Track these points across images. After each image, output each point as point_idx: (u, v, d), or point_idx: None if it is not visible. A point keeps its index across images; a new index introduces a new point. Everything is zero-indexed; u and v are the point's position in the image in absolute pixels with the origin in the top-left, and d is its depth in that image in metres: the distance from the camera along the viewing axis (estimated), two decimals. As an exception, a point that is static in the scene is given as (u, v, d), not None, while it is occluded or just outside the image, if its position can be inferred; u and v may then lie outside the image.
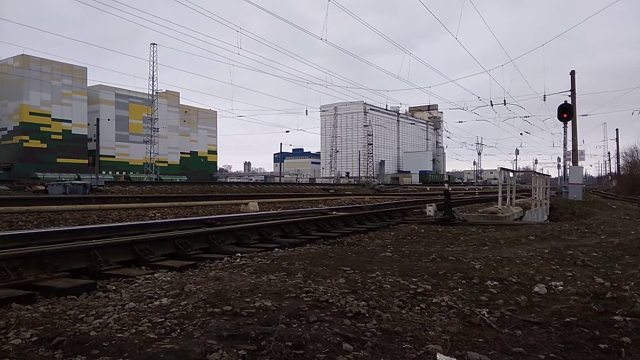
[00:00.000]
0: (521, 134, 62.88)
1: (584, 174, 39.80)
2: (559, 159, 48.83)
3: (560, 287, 3.62)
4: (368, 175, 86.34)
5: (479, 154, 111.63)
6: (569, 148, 24.88)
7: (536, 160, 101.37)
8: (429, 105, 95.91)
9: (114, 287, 3.92)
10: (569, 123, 23.78)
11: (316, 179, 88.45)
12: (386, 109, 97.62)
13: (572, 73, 24.54)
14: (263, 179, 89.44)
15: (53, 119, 56.30)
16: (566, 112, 22.68)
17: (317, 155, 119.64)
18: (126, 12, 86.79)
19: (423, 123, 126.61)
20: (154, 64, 57.17)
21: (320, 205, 15.96)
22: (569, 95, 24.07)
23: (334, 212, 10.85)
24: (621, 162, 58.41)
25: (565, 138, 25.23)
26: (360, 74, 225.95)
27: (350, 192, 32.01)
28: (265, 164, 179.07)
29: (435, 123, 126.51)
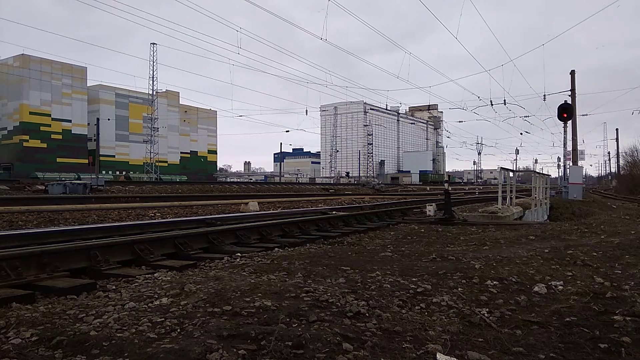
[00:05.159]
0: (521, 133, 62.71)
1: (584, 174, 39.82)
2: (559, 159, 48.88)
3: (560, 287, 3.62)
4: (368, 175, 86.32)
5: (479, 153, 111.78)
6: (569, 148, 24.87)
7: (536, 160, 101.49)
8: (428, 105, 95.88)
9: (114, 287, 3.92)
10: (569, 123, 23.77)
11: (316, 179, 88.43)
12: (386, 109, 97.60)
13: (572, 73, 24.52)
14: (263, 178, 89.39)
15: (53, 119, 56.34)
16: (566, 112, 22.66)
17: (317, 155, 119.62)
18: (118, 9, 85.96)
19: (423, 123, 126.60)
20: (154, 63, 57.24)
21: (320, 205, 15.96)
22: (569, 95, 24.06)
23: (333, 212, 10.85)
24: (621, 161, 58.44)
25: (565, 138, 25.21)
26: (351, 74, 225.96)
27: (350, 192, 32.00)
28: (265, 164, 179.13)
29: (435, 123, 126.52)
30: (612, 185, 67.52)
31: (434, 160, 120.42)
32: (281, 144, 75.19)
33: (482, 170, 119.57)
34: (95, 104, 61.45)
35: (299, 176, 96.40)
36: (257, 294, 3.14)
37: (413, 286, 3.56)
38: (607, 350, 2.34)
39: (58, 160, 55.32)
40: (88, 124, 58.65)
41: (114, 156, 63.76)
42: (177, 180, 53.44)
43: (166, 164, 67.82)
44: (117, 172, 59.09)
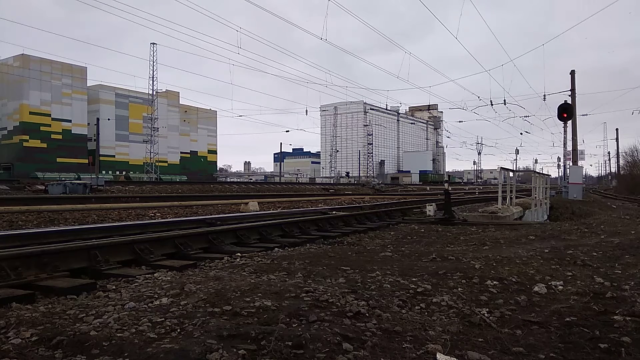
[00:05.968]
0: (521, 133, 62.56)
1: (584, 174, 39.85)
2: (559, 159, 48.89)
3: (560, 287, 3.62)
4: (368, 175, 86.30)
5: (479, 153, 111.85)
6: (569, 148, 24.87)
7: (536, 160, 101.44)
8: (428, 105, 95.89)
9: (114, 287, 3.92)
10: (569, 123, 23.76)
11: (316, 179, 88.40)
12: (386, 109, 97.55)
13: (572, 73, 24.50)
14: (263, 178, 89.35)
15: (53, 119, 56.25)
16: (566, 112, 22.65)
17: (317, 155, 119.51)
18: (116, 9, 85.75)
19: (423, 123, 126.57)
20: (154, 63, 57.23)
21: (320, 205, 15.96)
22: (569, 95, 24.05)
23: (334, 212, 10.84)
24: (621, 161, 58.45)
25: (565, 138, 25.22)
26: (351, 74, 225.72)
27: (350, 192, 31.99)
28: (265, 164, 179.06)
29: (435, 123, 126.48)
30: (612, 185, 67.53)
31: (434, 160, 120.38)
32: (281, 144, 75.25)
33: (482, 170, 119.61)
34: (95, 103, 61.37)
35: (299, 176, 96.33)
36: (257, 294, 3.14)
37: (413, 286, 3.56)
38: (607, 350, 2.34)
39: (58, 160, 55.23)
40: (88, 124, 58.56)
41: (114, 156, 63.69)
42: (177, 180, 53.43)
43: (166, 164, 67.75)
44: (117, 172, 59.04)
